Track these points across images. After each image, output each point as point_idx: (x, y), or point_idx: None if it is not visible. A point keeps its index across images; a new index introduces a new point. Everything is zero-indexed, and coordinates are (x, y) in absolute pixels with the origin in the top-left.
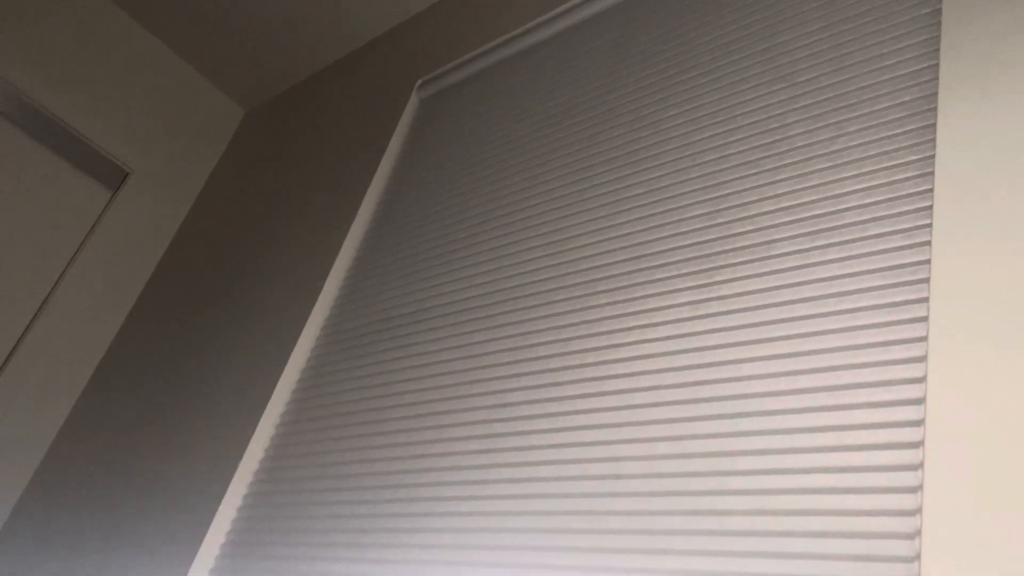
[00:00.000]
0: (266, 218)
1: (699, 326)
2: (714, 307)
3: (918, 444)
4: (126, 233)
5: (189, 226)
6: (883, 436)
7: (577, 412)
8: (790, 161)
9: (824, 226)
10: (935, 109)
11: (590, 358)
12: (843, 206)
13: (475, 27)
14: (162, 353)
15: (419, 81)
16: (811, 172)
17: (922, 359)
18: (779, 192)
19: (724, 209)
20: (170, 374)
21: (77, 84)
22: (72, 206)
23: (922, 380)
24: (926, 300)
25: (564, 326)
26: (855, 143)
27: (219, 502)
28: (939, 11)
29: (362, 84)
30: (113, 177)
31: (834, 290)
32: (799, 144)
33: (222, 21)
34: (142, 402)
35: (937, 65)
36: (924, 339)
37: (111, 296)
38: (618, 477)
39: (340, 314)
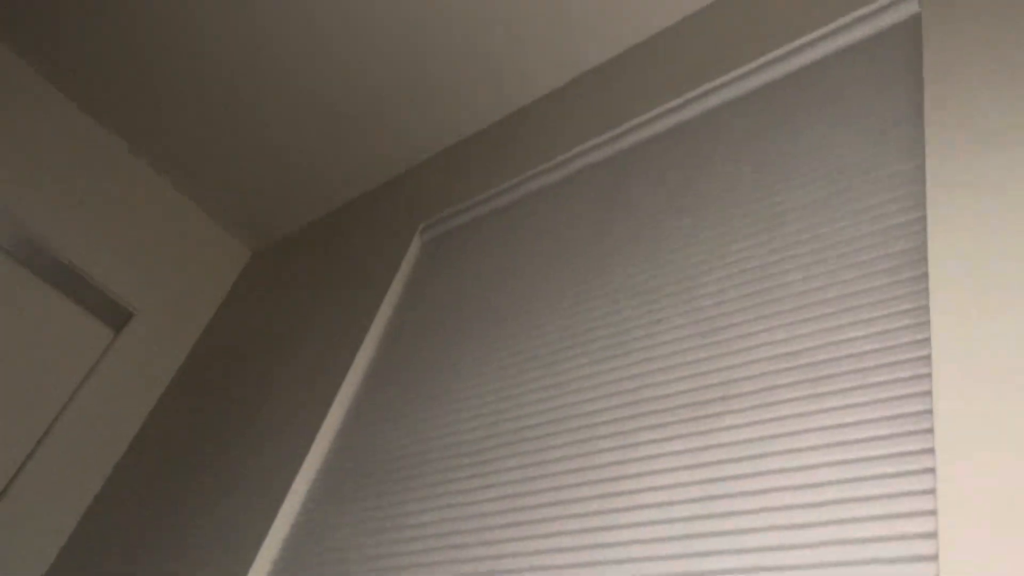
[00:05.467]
0: (267, 359)
1: (699, 475)
2: (715, 455)
3: None
4: (126, 375)
5: (190, 366)
6: None
7: (577, 565)
8: (787, 308)
9: (824, 373)
10: (925, 259)
11: (593, 506)
12: (842, 353)
13: (474, 176)
14: (152, 498)
15: (421, 225)
16: (808, 319)
17: (932, 512)
18: (776, 339)
19: (724, 355)
20: (158, 525)
21: (82, 223)
22: (73, 345)
23: (934, 535)
24: (932, 451)
25: (562, 472)
26: (850, 291)
27: None
28: (922, 166)
29: (366, 228)
30: (117, 318)
31: (836, 439)
32: (796, 291)
33: (229, 164)
34: (133, 550)
35: (924, 216)
36: (932, 492)
37: (105, 441)
38: None
39: (336, 458)
